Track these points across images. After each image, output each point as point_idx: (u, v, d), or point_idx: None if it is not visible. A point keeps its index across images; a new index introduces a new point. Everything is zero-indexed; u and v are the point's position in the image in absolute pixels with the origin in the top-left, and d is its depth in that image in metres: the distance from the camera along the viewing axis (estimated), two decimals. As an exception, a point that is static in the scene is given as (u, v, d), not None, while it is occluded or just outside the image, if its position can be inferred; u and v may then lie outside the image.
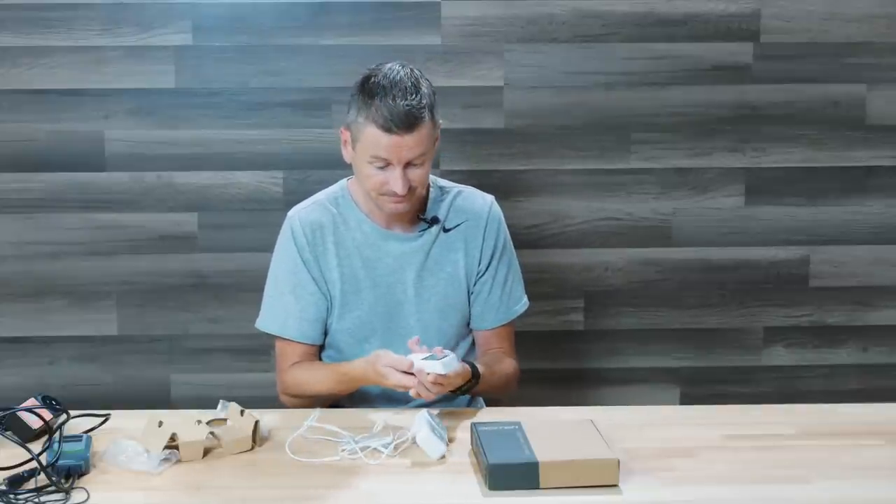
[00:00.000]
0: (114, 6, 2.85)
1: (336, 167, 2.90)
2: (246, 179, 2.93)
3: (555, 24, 2.91)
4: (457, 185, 2.40)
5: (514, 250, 2.42)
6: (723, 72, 2.94)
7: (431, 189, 2.35)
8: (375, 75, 2.16)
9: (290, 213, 2.34)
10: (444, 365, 2.04)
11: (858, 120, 2.98)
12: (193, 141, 2.91)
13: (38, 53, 2.86)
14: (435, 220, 2.33)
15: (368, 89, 2.14)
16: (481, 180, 2.87)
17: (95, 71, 2.87)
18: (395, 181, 2.15)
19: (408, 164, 2.16)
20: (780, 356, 3.08)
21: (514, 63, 2.92)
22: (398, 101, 2.10)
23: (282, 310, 2.31)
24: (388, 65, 2.18)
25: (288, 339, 2.32)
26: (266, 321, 2.35)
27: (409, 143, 2.13)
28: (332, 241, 2.30)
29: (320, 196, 2.36)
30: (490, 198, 2.40)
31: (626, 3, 2.90)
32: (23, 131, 2.89)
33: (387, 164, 2.15)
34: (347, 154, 2.25)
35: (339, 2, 2.88)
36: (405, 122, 2.11)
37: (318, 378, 2.28)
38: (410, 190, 2.18)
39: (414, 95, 2.12)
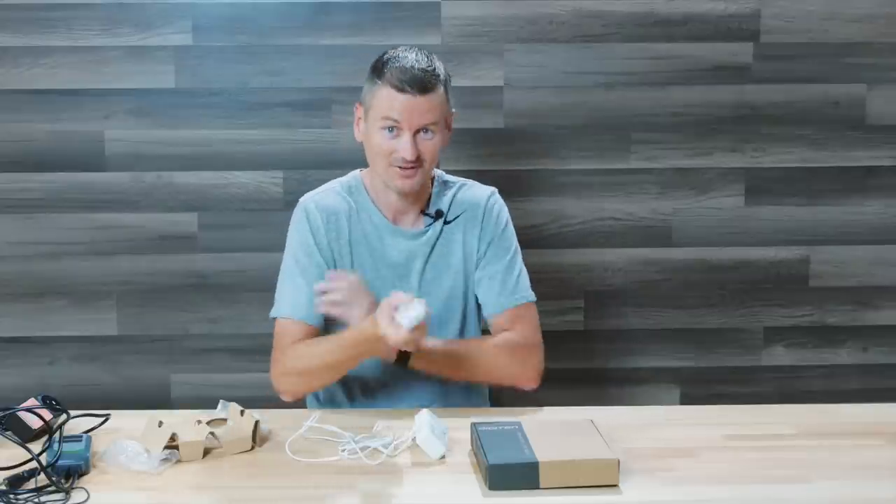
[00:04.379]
0: (114, 6, 2.85)
1: (336, 167, 2.90)
2: (246, 179, 2.93)
3: (555, 24, 2.91)
4: (461, 178, 2.42)
5: (518, 247, 2.39)
6: (723, 72, 2.94)
7: (435, 184, 2.36)
8: (390, 51, 2.23)
9: (303, 199, 2.34)
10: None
11: (858, 120, 2.98)
12: (193, 141, 2.91)
13: (38, 53, 2.86)
14: (439, 214, 2.34)
15: (384, 61, 2.21)
16: (481, 180, 2.86)
17: (95, 71, 2.87)
18: (405, 146, 2.17)
19: (417, 133, 2.18)
20: (780, 356, 3.08)
21: (514, 63, 2.92)
22: (413, 65, 2.17)
23: (291, 292, 2.28)
24: (404, 45, 2.27)
25: (291, 319, 2.27)
26: (278, 307, 2.30)
27: (421, 106, 2.16)
28: (346, 228, 2.30)
29: (333, 184, 2.37)
30: (491, 189, 2.40)
31: (626, 3, 2.90)
32: (23, 131, 2.89)
33: (397, 130, 2.18)
34: (359, 131, 2.28)
35: (339, 2, 2.88)
36: (419, 83, 2.16)
37: (321, 348, 2.21)
38: (419, 162, 2.20)
39: (428, 64, 2.19)
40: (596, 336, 3.05)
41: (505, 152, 2.95)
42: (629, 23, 2.91)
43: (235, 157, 2.92)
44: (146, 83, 2.88)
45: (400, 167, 2.21)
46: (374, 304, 2.16)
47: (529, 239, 2.95)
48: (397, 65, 2.18)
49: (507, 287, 2.33)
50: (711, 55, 2.94)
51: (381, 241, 2.31)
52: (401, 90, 2.16)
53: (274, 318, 2.31)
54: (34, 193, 2.92)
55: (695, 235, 3.01)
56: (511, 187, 2.94)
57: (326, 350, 2.21)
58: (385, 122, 2.19)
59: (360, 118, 2.27)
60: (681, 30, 2.92)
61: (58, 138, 2.89)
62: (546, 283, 2.98)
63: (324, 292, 2.20)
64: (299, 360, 2.24)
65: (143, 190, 2.92)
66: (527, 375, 2.30)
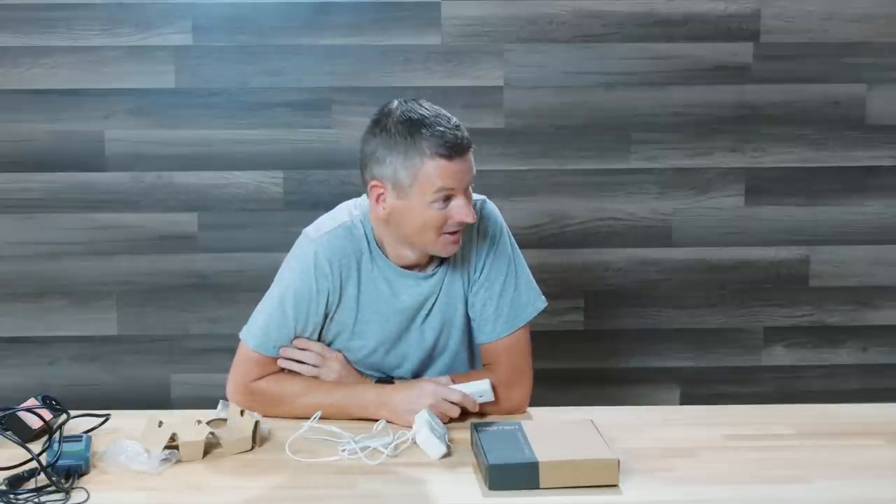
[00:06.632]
0: (114, 6, 2.85)
1: (336, 167, 2.91)
2: (246, 179, 2.93)
3: (555, 24, 2.91)
4: None
5: (515, 257, 2.21)
6: (723, 72, 2.94)
7: None
8: (398, 116, 2.03)
9: (313, 236, 2.15)
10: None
11: (858, 120, 2.98)
12: (193, 141, 2.91)
13: (38, 53, 2.86)
14: None
15: (405, 130, 2.02)
16: (481, 180, 2.85)
17: (95, 71, 2.87)
18: (463, 209, 2.03)
19: (466, 191, 2.06)
20: (780, 356, 3.08)
21: (514, 63, 2.92)
22: (447, 128, 2.01)
23: (271, 330, 2.16)
24: (398, 104, 2.06)
25: (258, 353, 2.17)
26: (257, 337, 2.16)
27: (467, 167, 2.04)
28: (356, 272, 2.15)
29: (343, 215, 2.18)
30: (480, 201, 2.20)
31: (626, 3, 2.90)
32: (23, 131, 2.89)
33: (449, 197, 2.03)
34: (383, 209, 2.07)
35: (339, 2, 2.88)
36: (461, 144, 2.02)
37: (313, 400, 2.11)
38: None
39: (449, 118, 2.04)
40: (596, 336, 3.05)
41: (505, 152, 2.95)
42: (629, 23, 2.91)
43: (235, 157, 2.92)
44: (146, 83, 2.88)
45: (451, 233, 2.06)
46: (345, 362, 2.18)
47: (529, 239, 2.95)
48: (434, 133, 2.00)
49: (500, 315, 2.18)
50: (711, 55, 2.94)
51: (390, 287, 2.16)
52: (450, 158, 2.00)
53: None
54: (34, 193, 2.92)
55: (695, 235, 3.02)
56: (511, 187, 2.94)
57: (315, 401, 2.11)
58: (440, 193, 2.02)
59: (382, 195, 2.05)
60: (681, 30, 2.92)
61: (58, 138, 2.90)
62: (546, 283, 2.95)
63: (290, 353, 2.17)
64: (282, 404, 2.14)
65: (143, 190, 2.93)
66: (512, 407, 2.17)
